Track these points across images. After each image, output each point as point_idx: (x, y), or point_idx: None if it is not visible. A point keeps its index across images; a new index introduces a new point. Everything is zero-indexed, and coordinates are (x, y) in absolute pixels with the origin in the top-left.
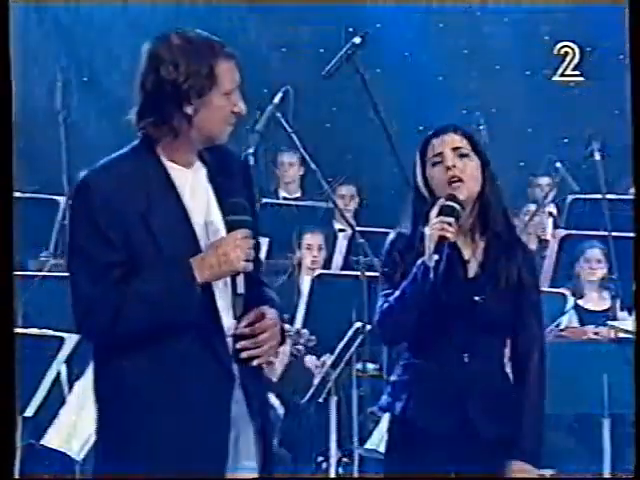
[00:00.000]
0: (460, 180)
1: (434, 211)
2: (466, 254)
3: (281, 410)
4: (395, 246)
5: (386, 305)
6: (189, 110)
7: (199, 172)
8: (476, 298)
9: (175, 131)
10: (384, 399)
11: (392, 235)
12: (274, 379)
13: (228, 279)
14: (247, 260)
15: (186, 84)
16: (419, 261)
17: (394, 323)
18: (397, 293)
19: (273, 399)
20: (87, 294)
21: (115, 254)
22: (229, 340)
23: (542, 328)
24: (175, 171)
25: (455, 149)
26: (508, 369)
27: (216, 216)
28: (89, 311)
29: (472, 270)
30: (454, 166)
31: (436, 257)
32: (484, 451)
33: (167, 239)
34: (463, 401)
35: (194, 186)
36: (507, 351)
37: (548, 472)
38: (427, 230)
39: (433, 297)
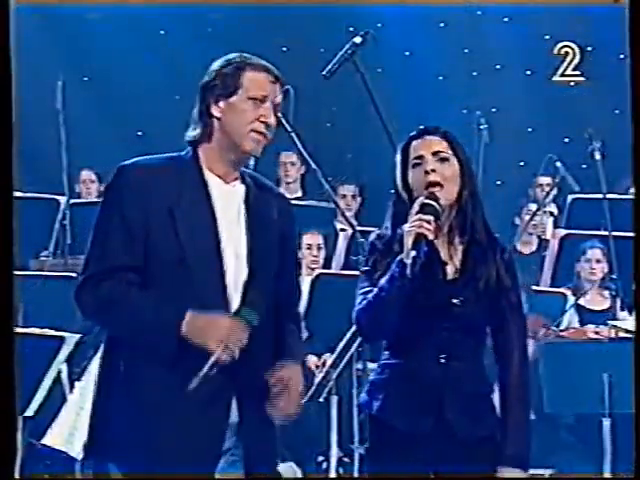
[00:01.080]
0: (438, 184)
1: (414, 209)
2: (445, 256)
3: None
4: (375, 246)
5: (364, 302)
6: (216, 112)
7: (237, 190)
8: (454, 300)
9: (205, 134)
10: (362, 398)
11: (372, 236)
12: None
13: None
14: (227, 350)
15: (213, 83)
16: (397, 258)
17: (371, 319)
18: (375, 290)
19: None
20: (94, 268)
21: (132, 241)
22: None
23: (523, 330)
24: (212, 179)
25: (435, 153)
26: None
27: (242, 236)
28: (88, 279)
29: (450, 272)
30: (433, 170)
31: (413, 253)
32: (462, 452)
33: (190, 239)
34: (439, 402)
35: (228, 200)
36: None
37: (548, 472)
38: (406, 227)
39: (410, 295)
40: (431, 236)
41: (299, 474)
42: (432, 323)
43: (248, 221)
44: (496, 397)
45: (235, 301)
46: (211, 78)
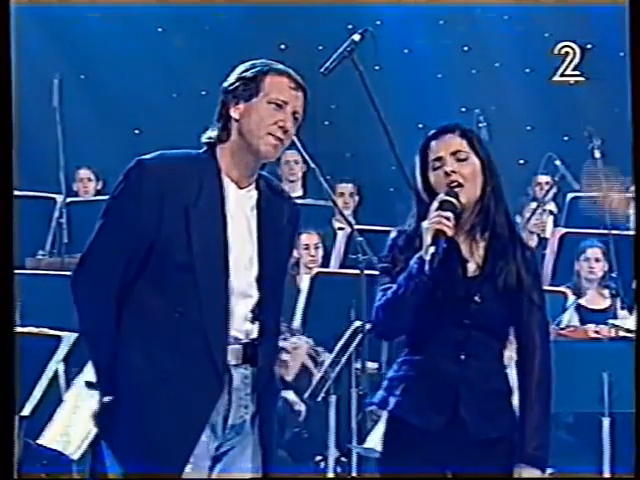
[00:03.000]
0: (460, 185)
1: (434, 205)
2: (465, 253)
3: (301, 407)
4: (396, 243)
5: (383, 299)
6: (235, 113)
7: (250, 195)
8: (476, 298)
9: (223, 135)
10: (379, 395)
11: (394, 233)
12: (289, 378)
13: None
14: None
15: (234, 85)
16: (416, 255)
17: (390, 317)
18: (394, 287)
19: (292, 396)
20: (95, 255)
21: (144, 233)
22: (237, 347)
23: (545, 329)
24: (228, 184)
25: (454, 153)
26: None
27: (251, 245)
28: (85, 267)
29: (471, 269)
30: (453, 172)
31: (432, 250)
32: (475, 451)
33: (200, 243)
34: (457, 399)
35: (241, 207)
36: (510, 353)
37: (548, 471)
38: (425, 224)
39: (429, 292)
40: (450, 233)
41: (301, 408)
42: (452, 320)
43: (258, 229)
44: (516, 397)
45: (236, 312)
46: (233, 81)
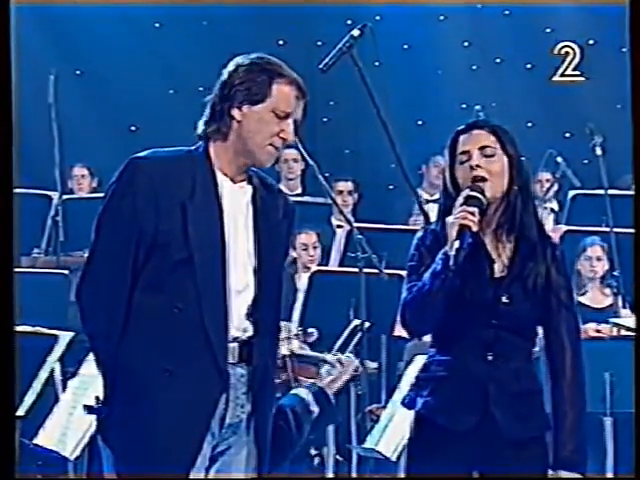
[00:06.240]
0: (483, 180)
1: (459, 201)
2: (493, 253)
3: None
4: (423, 241)
5: (409, 296)
6: (237, 115)
7: (244, 190)
8: (502, 298)
9: (221, 132)
10: (407, 395)
11: (420, 231)
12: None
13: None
14: None
15: (240, 87)
16: (441, 251)
17: (417, 313)
18: (419, 284)
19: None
20: (98, 263)
21: (143, 232)
22: (234, 345)
23: (576, 330)
24: (221, 179)
25: (482, 148)
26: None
27: (247, 239)
28: (90, 276)
29: (498, 270)
30: (478, 166)
31: (457, 244)
32: (507, 452)
33: (198, 238)
34: (485, 399)
35: (236, 201)
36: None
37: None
38: (450, 219)
39: (456, 290)
40: (475, 228)
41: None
42: (479, 320)
43: (255, 223)
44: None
45: (234, 306)
46: (239, 79)
